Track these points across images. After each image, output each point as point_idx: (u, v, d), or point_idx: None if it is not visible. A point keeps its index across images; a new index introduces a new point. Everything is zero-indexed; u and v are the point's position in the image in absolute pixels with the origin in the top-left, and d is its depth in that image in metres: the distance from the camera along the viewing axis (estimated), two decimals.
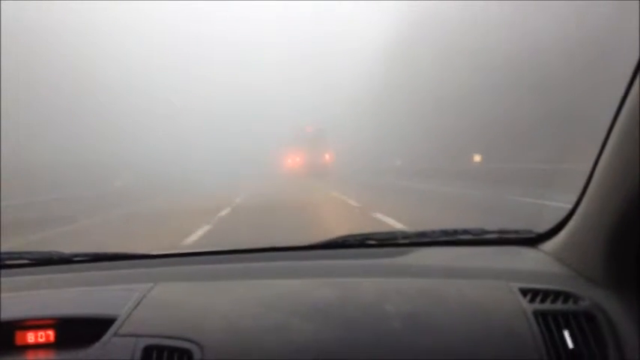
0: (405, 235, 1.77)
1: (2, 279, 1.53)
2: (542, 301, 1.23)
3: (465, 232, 1.74)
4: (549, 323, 1.16)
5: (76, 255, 1.70)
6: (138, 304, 1.28)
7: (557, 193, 7.31)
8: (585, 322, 1.16)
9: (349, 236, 1.75)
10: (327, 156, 30.53)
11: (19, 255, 1.69)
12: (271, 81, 41.63)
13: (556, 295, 1.24)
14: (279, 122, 34.30)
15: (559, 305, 1.21)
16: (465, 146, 20.18)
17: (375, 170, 27.39)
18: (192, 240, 6.85)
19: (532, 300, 1.23)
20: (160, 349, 1.13)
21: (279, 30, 43.70)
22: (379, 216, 8.36)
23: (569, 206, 1.41)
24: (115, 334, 1.17)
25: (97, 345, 1.15)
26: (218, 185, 21.08)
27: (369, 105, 35.69)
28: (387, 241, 1.75)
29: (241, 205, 12.56)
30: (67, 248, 1.75)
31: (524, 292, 1.26)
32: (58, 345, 1.22)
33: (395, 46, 31.94)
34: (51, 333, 1.22)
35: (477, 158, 19.38)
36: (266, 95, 41.24)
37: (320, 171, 27.41)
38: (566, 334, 1.13)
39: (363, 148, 33.66)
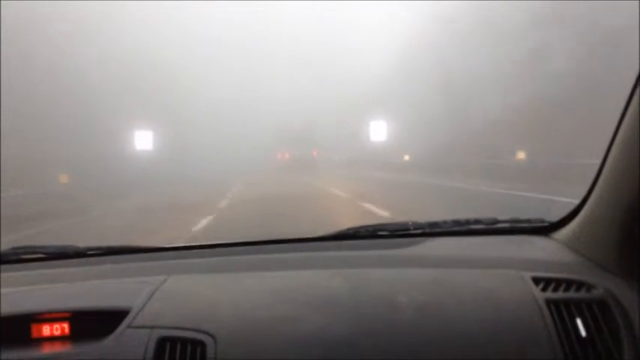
0: (417, 225, 1.76)
1: (18, 273, 1.56)
2: (555, 289, 1.22)
3: (477, 221, 1.73)
4: (562, 312, 1.15)
5: (90, 249, 1.72)
6: (151, 297, 1.29)
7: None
8: (598, 311, 1.15)
9: (361, 227, 1.75)
10: (314, 152, 32.51)
11: (35, 249, 1.71)
12: (267, 79, 41.82)
13: (568, 283, 1.23)
14: (273, 120, 35.06)
15: (572, 294, 1.20)
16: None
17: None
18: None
19: (544, 289, 1.22)
20: (173, 341, 1.14)
21: (277, 30, 43.54)
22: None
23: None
24: (129, 326, 1.19)
25: (111, 337, 1.17)
26: (209, 181, 21.17)
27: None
28: (399, 232, 1.74)
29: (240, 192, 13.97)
30: None
31: (536, 280, 1.25)
32: (73, 337, 1.23)
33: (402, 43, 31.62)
34: (66, 325, 1.24)
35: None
36: (260, 94, 41.53)
37: (308, 166, 29.16)
38: (579, 322, 1.13)
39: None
